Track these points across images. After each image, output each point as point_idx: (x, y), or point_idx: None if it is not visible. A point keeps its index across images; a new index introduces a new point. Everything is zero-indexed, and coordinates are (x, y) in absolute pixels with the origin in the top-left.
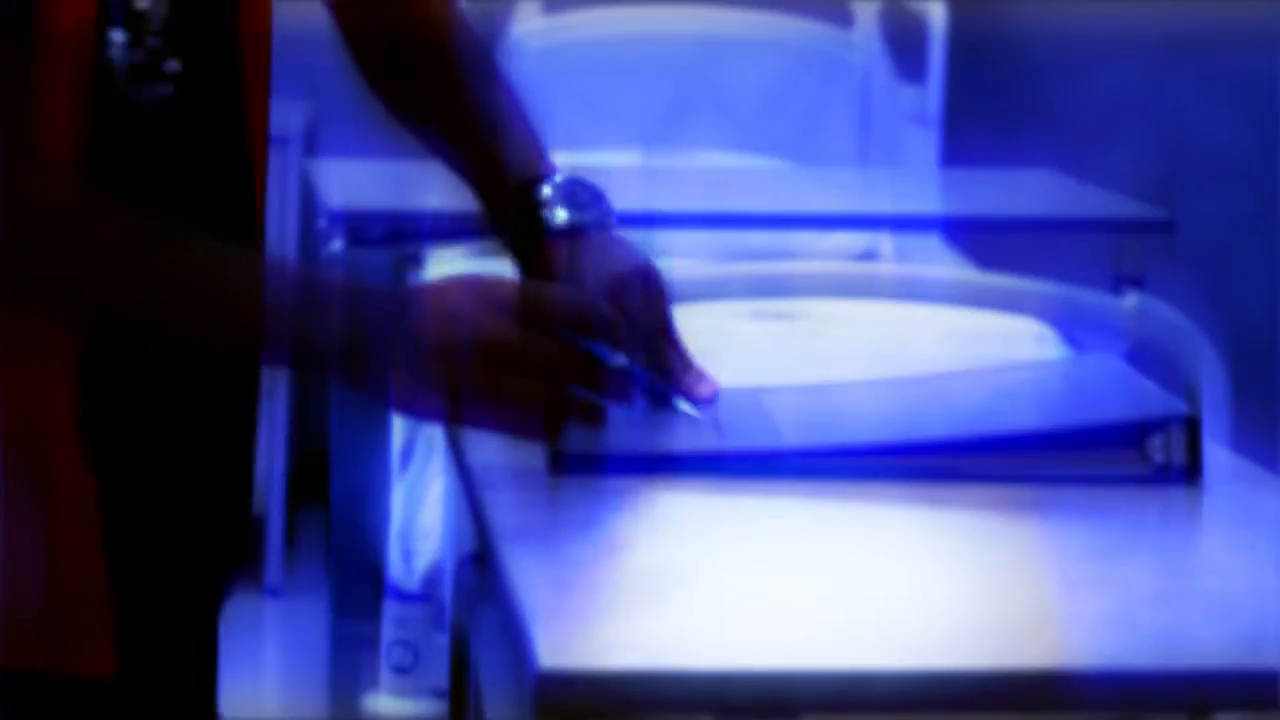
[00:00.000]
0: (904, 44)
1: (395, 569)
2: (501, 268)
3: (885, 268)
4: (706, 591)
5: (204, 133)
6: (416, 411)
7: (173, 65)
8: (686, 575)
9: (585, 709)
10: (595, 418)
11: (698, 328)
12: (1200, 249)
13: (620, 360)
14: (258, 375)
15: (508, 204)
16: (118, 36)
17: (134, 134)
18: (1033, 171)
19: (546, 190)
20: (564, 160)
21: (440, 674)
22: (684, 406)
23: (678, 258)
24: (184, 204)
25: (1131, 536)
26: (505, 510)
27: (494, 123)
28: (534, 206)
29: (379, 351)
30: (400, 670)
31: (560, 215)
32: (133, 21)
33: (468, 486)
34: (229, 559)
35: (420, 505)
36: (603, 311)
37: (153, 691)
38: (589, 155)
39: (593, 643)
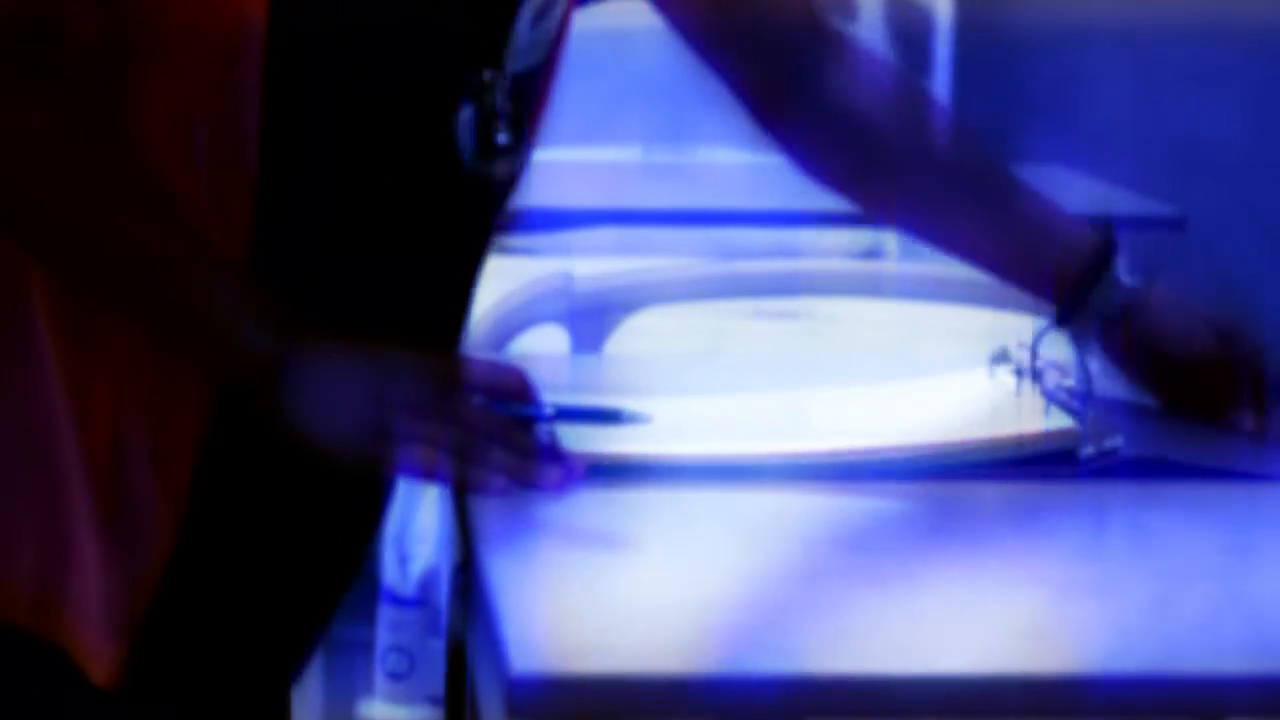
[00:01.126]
0: (909, 38)
1: (390, 573)
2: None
3: (890, 266)
4: (686, 596)
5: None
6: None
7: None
8: (669, 580)
9: (558, 714)
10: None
11: (699, 327)
12: (1211, 246)
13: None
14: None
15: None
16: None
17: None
18: (1040, 167)
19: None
20: (564, 159)
21: (436, 680)
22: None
23: (678, 256)
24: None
25: (1140, 538)
26: (488, 513)
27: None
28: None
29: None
30: (395, 676)
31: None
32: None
33: (452, 490)
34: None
35: (416, 508)
36: (525, 378)
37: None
38: (589, 152)
39: (567, 647)
